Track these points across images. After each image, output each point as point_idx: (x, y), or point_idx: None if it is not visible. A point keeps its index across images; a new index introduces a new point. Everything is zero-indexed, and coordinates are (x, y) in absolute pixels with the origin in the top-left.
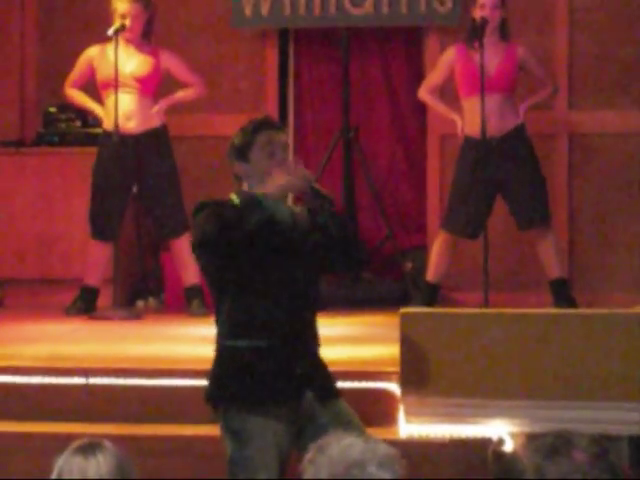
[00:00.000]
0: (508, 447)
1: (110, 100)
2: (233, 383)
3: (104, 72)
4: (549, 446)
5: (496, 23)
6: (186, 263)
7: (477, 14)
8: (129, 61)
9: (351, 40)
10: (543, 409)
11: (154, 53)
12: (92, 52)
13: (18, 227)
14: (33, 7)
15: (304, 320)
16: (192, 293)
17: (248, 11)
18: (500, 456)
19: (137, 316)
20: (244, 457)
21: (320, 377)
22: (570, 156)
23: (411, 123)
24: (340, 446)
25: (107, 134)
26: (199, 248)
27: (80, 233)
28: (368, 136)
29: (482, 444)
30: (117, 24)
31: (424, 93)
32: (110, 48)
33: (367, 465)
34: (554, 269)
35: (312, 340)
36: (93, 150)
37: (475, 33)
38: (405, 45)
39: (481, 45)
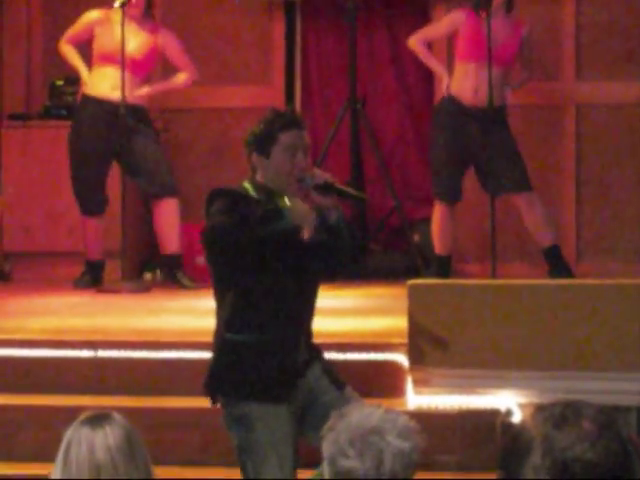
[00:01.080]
0: (516, 418)
1: (102, 70)
2: (233, 376)
3: (104, 44)
4: (558, 416)
5: None
6: (167, 229)
7: None
8: (129, 40)
9: (358, 11)
10: (551, 380)
11: (154, 30)
12: (95, 16)
13: (25, 200)
14: None
15: (306, 317)
16: (174, 263)
17: None
18: (508, 427)
19: (145, 289)
20: (252, 441)
21: (323, 366)
22: (577, 127)
23: (418, 94)
24: (360, 413)
25: (88, 100)
26: (210, 242)
27: None
28: (375, 107)
29: (490, 415)
30: None
31: (418, 42)
32: (114, 18)
33: (386, 433)
34: (545, 237)
35: (309, 337)
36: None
37: (483, 2)
38: (412, 16)
39: (488, 15)
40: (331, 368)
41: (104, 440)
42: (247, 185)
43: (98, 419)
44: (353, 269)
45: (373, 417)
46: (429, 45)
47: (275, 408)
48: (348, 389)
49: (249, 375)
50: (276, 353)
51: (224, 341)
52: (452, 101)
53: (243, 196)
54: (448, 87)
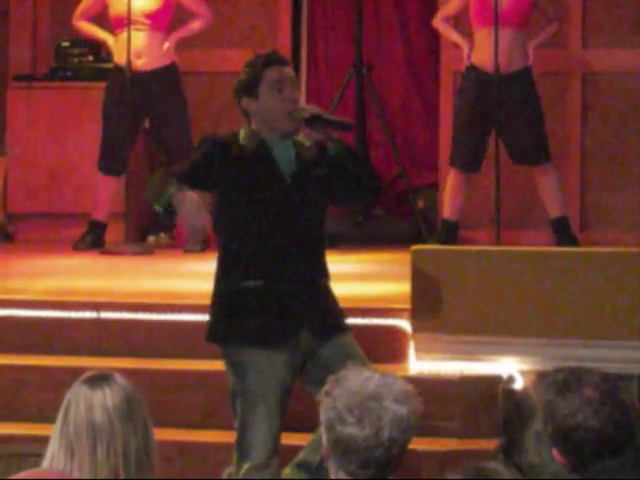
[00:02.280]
0: (518, 385)
1: (121, 36)
2: (232, 322)
3: (117, 8)
4: (560, 383)
5: None
6: None
7: None
8: None
9: None
10: (554, 347)
11: None
12: None
13: (30, 162)
14: None
15: (306, 259)
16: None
17: None
18: (510, 394)
19: (148, 251)
20: (243, 389)
21: (322, 313)
22: (583, 95)
23: (424, 60)
24: (358, 379)
25: (118, 69)
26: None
27: (91, 168)
28: (381, 73)
29: (492, 382)
30: None
31: (438, 21)
32: None
33: (383, 398)
34: (555, 208)
35: (317, 276)
36: (105, 85)
37: None
38: None
39: None
40: (335, 309)
41: (102, 400)
42: (242, 132)
43: (98, 379)
44: (367, 198)
45: (370, 383)
46: (455, 22)
47: (270, 355)
48: (348, 336)
49: (245, 320)
50: (271, 298)
51: (220, 288)
52: (473, 70)
53: (226, 143)
54: (469, 56)
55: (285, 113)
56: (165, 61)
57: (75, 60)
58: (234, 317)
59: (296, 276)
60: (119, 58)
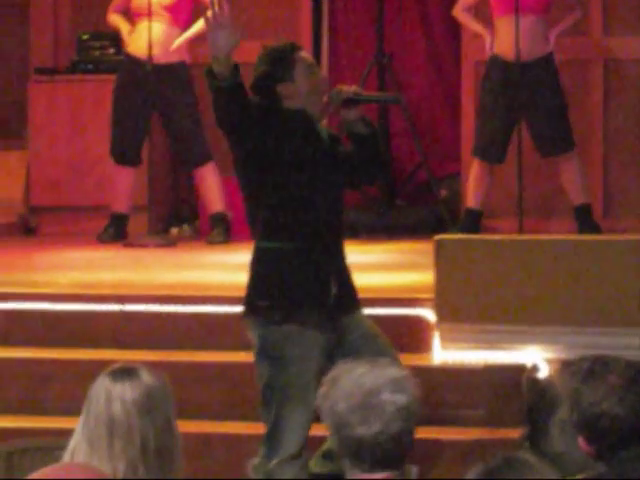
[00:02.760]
0: (543, 373)
1: (137, 27)
2: (274, 285)
3: (136, 0)
4: (585, 370)
5: None
6: (209, 191)
7: None
8: None
9: None
10: (578, 335)
11: None
12: None
13: (52, 155)
14: None
15: (337, 229)
16: (213, 221)
17: None
18: (535, 382)
19: (172, 243)
20: (283, 382)
21: (348, 286)
22: (605, 82)
23: (445, 50)
24: (351, 377)
25: (129, 58)
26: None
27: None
28: (402, 63)
29: (516, 370)
30: None
31: (459, 11)
32: None
33: (381, 391)
34: (579, 195)
35: (343, 248)
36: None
37: None
38: None
39: None
40: (353, 282)
41: (121, 393)
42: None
43: (121, 373)
44: (370, 183)
45: (366, 378)
46: (475, 11)
47: (311, 339)
48: (363, 314)
49: (286, 283)
50: (309, 262)
51: (259, 250)
52: (495, 60)
53: (267, 109)
54: (492, 46)
55: (323, 92)
56: (174, 58)
57: (96, 53)
58: (278, 282)
59: (333, 244)
60: (132, 48)
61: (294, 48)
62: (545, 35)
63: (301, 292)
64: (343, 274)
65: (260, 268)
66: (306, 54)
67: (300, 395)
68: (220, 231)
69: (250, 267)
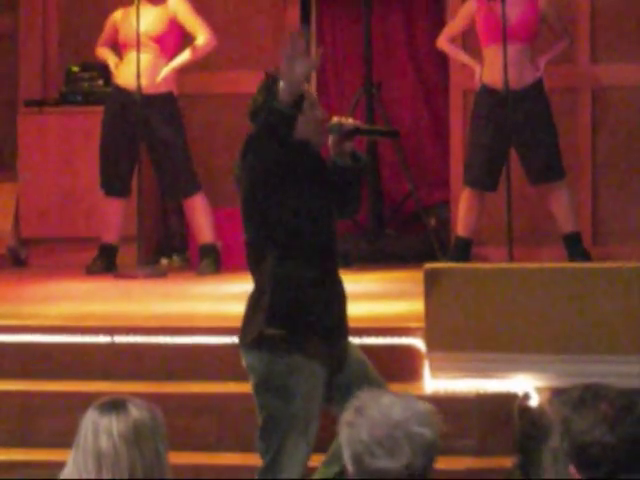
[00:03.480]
0: (534, 402)
1: (126, 58)
2: (284, 314)
3: (123, 31)
4: (576, 399)
5: None
6: (198, 222)
7: None
8: (144, 19)
9: None
10: (569, 363)
11: (163, 0)
12: (116, 15)
13: (41, 186)
14: None
15: (336, 256)
16: (203, 252)
17: None
18: (526, 411)
19: (161, 274)
20: (288, 414)
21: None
22: (593, 110)
23: (434, 78)
24: (379, 407)
25: (116, 89)
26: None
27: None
28: (391, 92)
29: (508, 399)
30: None
31: (443, 41)
32: (133, 9)
33: (409, 424)
34: (568, 223)
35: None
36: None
37: None
38: (427, 1)
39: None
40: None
41: (108, 426)
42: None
43: (109, 406)
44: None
45: (394, 411)
46: (463, 41)
47: (314, 372)
48: (355, 347)
49: (296, 309)
50: (316, 288)
51: (270, 276)
52: (485, 89)
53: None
54: (480, 76)
55: (322, 130)
56: (162, 89)
57: (85, 84)
58: (291, 308)
59: (335, 273)
60: (120, 79)
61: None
62: (533, 63)
63: (310, 321)
64: (343, 301)
65: (270, 297)
66: (309, 88)
67: (304, 428)
68: (210, 262)
69: (253, 297)
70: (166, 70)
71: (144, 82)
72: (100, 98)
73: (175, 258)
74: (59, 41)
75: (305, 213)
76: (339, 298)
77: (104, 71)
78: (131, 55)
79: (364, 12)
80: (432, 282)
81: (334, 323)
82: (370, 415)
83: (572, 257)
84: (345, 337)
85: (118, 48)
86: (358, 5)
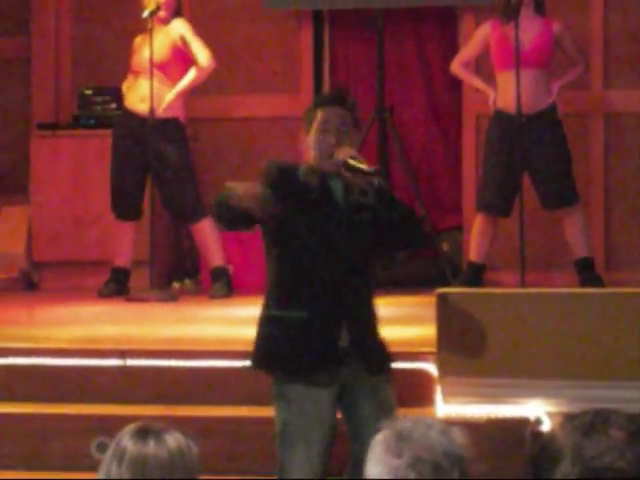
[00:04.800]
0: (545, 427)
1: (135, 82)
2: (273, 351)
3: (135, 57)
4: (587, 424)
5: None
6: (208, 246)
7: None
8: (154, 46)
9: (386, 21)
10: (580, 389)
11: (168, 25)
12: (136, 41)
13: (54, 210)
14: None
15: (352, 294)
16: (214, 276)
17: None
18: (537, 436)
19: (173, 298)
20: (283, 424)
21: (364, 351)
22: (606, 135)
23: (446, 103)
24: (421, 431)
25: (125, 113)
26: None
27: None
28: (403, 116)
29: (519, 424)
30: (152, 6)
31: (457, 66)
32: (147, 36)
33: (451, 449)
34: (580, 249)
35: (362, 314)
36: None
37: (510, 9)
38: (439, 25)
39: (516, 23)
40: (377, 349)
41: (138, 454)
42: (303, 165)
43: (141, 432)
44: (416, 245)
45: (432, 434)
46: (477, 67)
47: (311, 389)
48: (387, 387)
49: (287, 352)
50: (313, 330)
51: (264, 316)
52: (498, 114)
53: (289, 171)
54: (494, 101)
55: (325, 155)
56: (168, 113)
57: (98, 108)
58: (275, 346)
59: (340, 311)
60: (128, 102)
61: (321, 103)
62: (547, 88)
63: (303, 361)
64: (360, 339)
65: (265, 334)
66: (330, 111)
67: (301, 438)
68: (221, 285)
69: (257, 331)
70: (169, 97)
71: (145, 107)
72: (113, 121)
73: (187, 281)
74: (72, 64)
75: (293, 257)
76: (345, 333)
77: (117, 94)
78: (138, 81)
79: (377, 37)
80: (444, 307)
81: (334, 354)
82: (416, 440)
83: (584, 283)
84: (357, 361)
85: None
86: (370, 28)
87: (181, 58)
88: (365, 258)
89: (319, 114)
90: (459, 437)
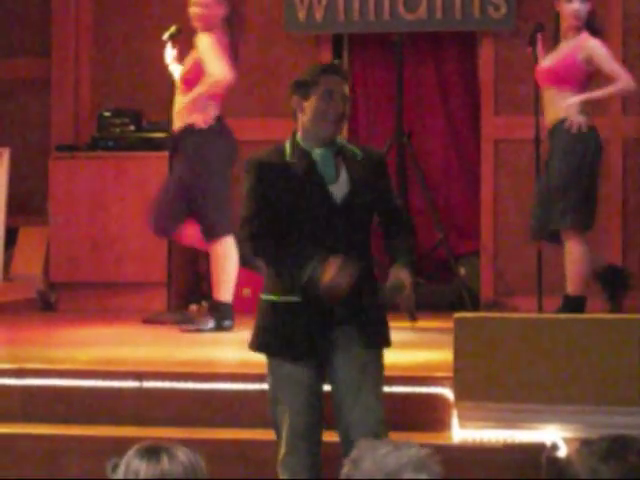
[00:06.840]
0: (562, 452)
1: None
2: (267, 335)
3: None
4: (604, 450)
5: (579, 20)
6: (214, 275)
7: (561, 8)
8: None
9: (405, 45)
10: (597, 414)
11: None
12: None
13: (72, 231)
14: (87, 10)
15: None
16: (208, 307)
17: (302, 16)
18: (554, 461)
19: (190, 320)
20: (270, 396)
21: (360, 326)
22: (624, 161)
23: (464, 128)
24: (374, 458)
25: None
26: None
27: (134, 237)
28: (421, 141)
29: (536, 449)
30: (172, 29)
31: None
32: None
33: (403, 472)
34: (568, 282)
35: (359, 296)
36: (147, 154)
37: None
38: (459, 50)
39: (533, 50)
40: (373, 323)
41: (136, 471)
42: (287, 145)
43: (150, 450)
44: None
45: (388, 460)
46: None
47: (301, 370)
48: (372, 355)
49: (278, 335)
50: (307, 314)
51: (260, 301)
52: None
53: (272, 165)
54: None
55: (329, 122)
56: (190, 119)
57: (117, 130)
58: (269, 330)
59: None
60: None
61: (326, 70)
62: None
63: (293, 345)
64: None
65: (260, 318)
66: (335, 80)
67: (285, 407)
68: (206, 320)
69: (256, 315)
70: (185, 102)
71: (177, 125)
72: (131, 143)
73: (204, 304)
74: (91, 86)
75: (297, 237)
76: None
77: (136, 117)
78: (175, 97)
79: (396, 61)
80: (462, 331)
81: (325, 340)
82: (364, 467)
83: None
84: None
85: None
86: (390, 50)
87: (202, 73)
88: (364, 237)
89: (325, 80)
90: (418, 462)
